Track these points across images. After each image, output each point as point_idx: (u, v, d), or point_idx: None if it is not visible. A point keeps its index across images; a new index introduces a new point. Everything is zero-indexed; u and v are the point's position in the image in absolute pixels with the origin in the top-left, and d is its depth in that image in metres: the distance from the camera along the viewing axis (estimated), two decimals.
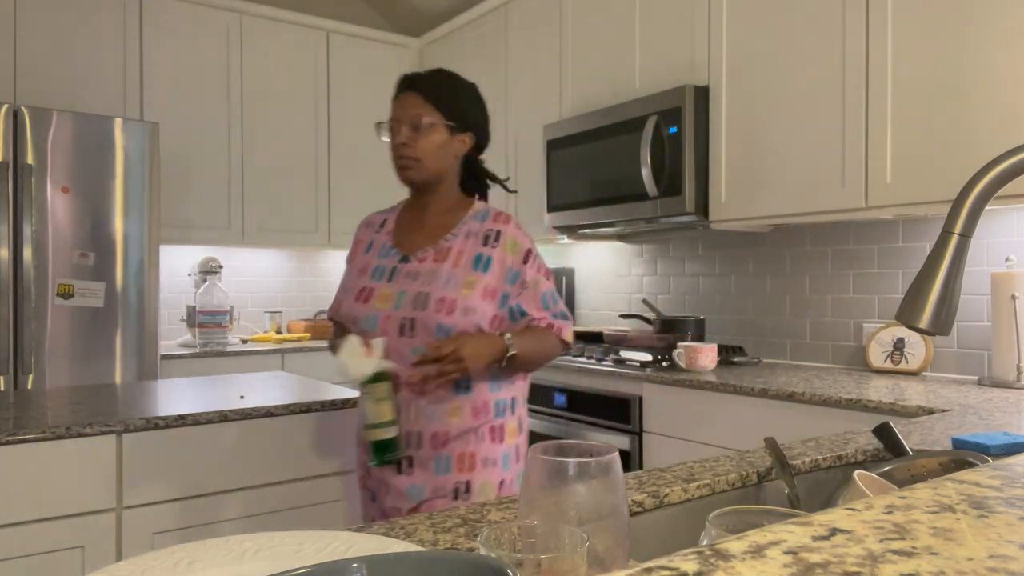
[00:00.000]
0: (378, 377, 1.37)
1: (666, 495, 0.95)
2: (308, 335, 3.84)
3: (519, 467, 1.51)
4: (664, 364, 2.47)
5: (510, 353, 1.40)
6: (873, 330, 2.39)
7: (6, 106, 2.71)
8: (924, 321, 0.81)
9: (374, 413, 1.38)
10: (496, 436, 1.46)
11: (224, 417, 1.73)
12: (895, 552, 0.43)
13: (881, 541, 0.45)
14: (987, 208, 2.00)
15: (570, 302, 3.57)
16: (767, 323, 2.74)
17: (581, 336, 3.05)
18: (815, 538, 0.45)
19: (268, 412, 1.79)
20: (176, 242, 3.47)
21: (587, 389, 2.58)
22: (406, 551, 0.56)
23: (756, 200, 2.41)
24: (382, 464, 1.41)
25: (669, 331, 2.75)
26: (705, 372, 2.33)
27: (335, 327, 1.63)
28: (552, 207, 3.07)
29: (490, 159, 3.66)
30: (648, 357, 2.50)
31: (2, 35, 3.09)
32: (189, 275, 3.81)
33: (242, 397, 1.91)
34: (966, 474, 0.62)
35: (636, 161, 2.65)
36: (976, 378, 2.15)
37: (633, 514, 0.92)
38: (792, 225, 2.63)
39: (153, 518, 1.64)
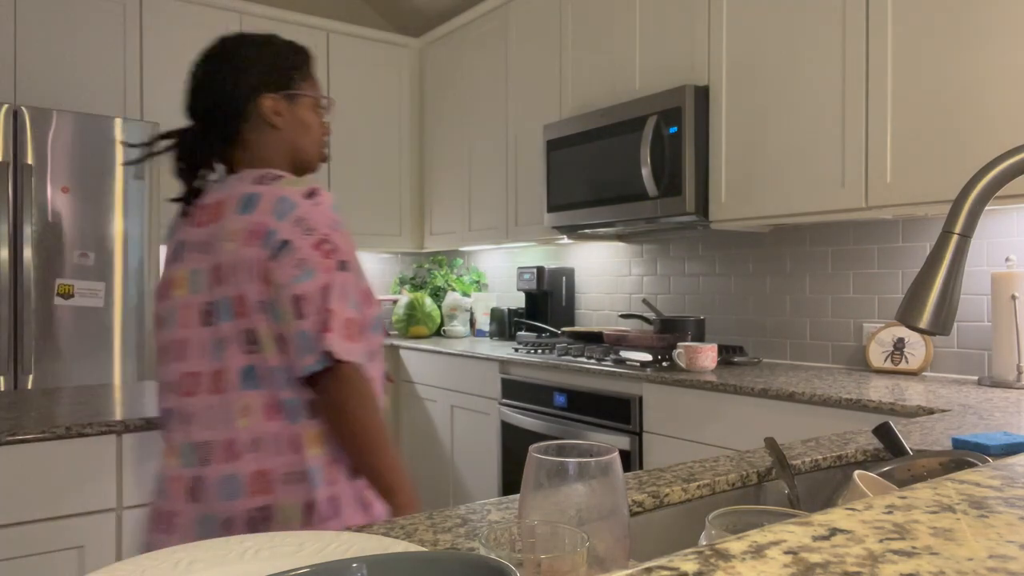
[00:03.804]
0: None
1: (666, 495, 0.95)
2: None
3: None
4: (664, 364, 2.47)
5: None
6: (873, 330, 2.39)
7: (6, 106, 2.71)
8: (924, 321, 0.81)
9: None
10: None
11: None
12: (895, 552, 0.43)
13: (881, 541, 0.45)
14: (987, 208, 2.00)
15: (570, 302, 3.57)
16: (767, 323, 2.74)
17: (581, 336, 3.05)
18: (815, 538, 0.45)
19: None
20: None
21: (587, 389, 2.58)
22: (406, 551, 0.56)
23: (756, 200, 2.41)
24: None
25: (669, 331, 2.75)
26: (705, 372, 2.33)
27: None
28: (552, 207, 3.07)
29: (490, 159, 3.66)
30: (648, 357, 2.50)
31: (2, 35, 3.09)
32: None
33: None
34: (966, 474, 0.62)
35: (636, 161, 2.65)
36: (976, 378, 2.15)
37: (633, 514, 0.92)
38: (792, 225, 2.63)
39: None
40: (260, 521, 1.09)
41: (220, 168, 1.29)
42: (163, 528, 1.14)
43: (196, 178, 1.25)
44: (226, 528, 1.10)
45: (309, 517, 1.11)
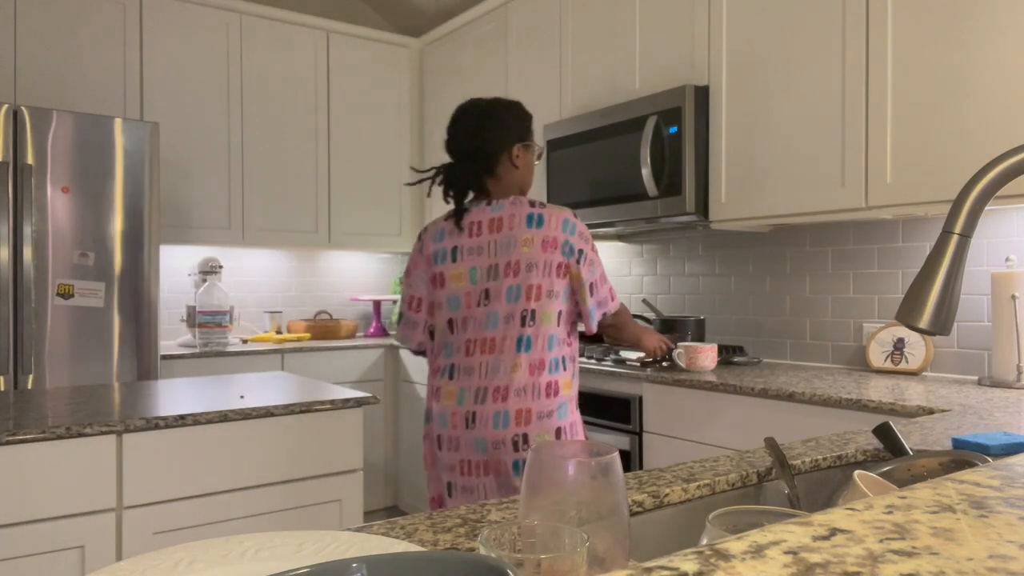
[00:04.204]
0: None
1: (666, 495, 0.95)
2: (308, 335, 3.84)
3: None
4: (664, 364, 2.47)
5: None
6: (873, 330, 2.38)
7: (6, 106, 2.71)
8: (924, 321, 0.81)
9: None
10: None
11: (224, 417, 1.73)
12: (895, 552, 0.43)
13: (881, 541, 0.45)
14: (987, 208, 2.00)
15: None
16: (767, 323, 2.74)
17: (581, 336, 3.05)
18: (815, 538, 0.45)
19: (268, 412, 1.79)
20: (176, 242, 3.47)
21: (587, 389, 2.58)
22: (406, 551, 0.56)
23: (756, 200, 2.41)
24: None
25: (669, 331, 2.75)
26: (705, 372, 2.33)
27: None
28: None
29: None
30: (648, 357, 2.50)
31: (2, 35, 3.09)
32: (189, 275, 3.81)
33: (242, 397, 1.91)
34: (966, 474, 0.62)
35: (636, 161, 2.65)
36: (976, 378, 2.15)
37: (633, 514, 0.92)
38: (792, 225, 2.63)
39: (153, 518, 1.64)
40: (522, 443, 1.62)
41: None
42: (453, 447, 1.68)
43: (462, 200, 1.76)
44: (495, 448, 1.63)
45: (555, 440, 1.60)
